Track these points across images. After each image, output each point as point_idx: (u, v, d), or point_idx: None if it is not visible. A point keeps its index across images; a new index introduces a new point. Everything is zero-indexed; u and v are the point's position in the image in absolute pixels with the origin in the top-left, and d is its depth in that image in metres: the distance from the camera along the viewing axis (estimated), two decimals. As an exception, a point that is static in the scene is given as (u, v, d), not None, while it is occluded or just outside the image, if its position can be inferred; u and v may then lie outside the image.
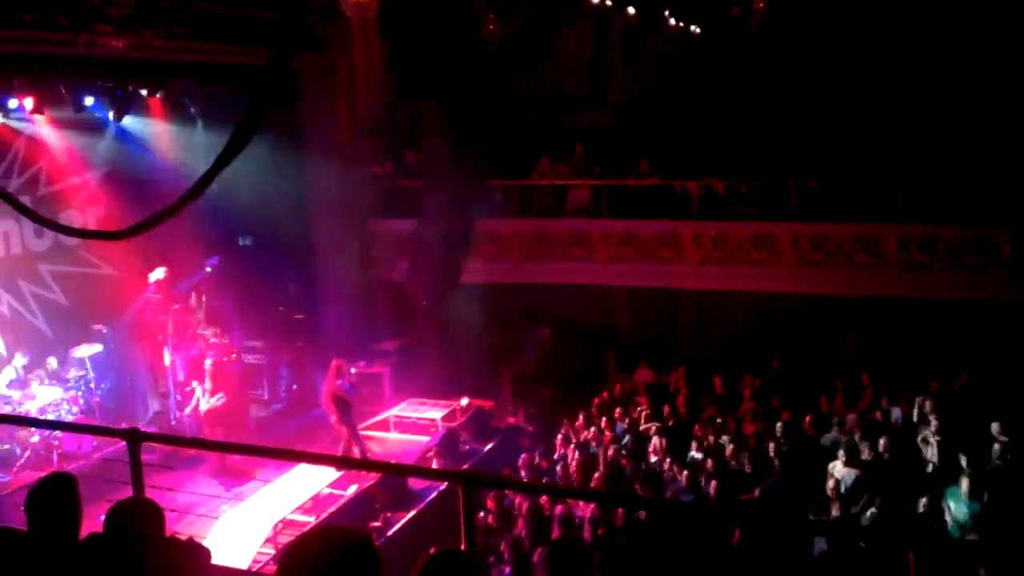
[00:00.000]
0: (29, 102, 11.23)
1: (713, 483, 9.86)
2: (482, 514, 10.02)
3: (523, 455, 11.82)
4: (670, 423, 12.64)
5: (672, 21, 13.51)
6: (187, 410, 12.83)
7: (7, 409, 10.87)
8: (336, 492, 10.90)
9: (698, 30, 14.00)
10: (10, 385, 11.24)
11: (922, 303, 14.00)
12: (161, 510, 3.37)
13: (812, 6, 15.03)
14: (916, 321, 14.65)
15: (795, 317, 15.10)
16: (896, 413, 12.53)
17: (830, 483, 9.68)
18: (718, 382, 13.85)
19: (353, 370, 11.59)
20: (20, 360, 11.45)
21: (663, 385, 14.57)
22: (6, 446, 10.92)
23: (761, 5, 13.42)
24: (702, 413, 13.01)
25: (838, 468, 10.03)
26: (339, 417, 11.14)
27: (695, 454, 11.29)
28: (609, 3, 13.09)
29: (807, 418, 12.13)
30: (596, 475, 10.43)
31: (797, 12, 14.71)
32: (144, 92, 12.43)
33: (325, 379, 11.45)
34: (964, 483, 8.74)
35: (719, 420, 12.51)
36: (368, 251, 15.06)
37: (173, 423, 12.64)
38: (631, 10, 12.49)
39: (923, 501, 8.96)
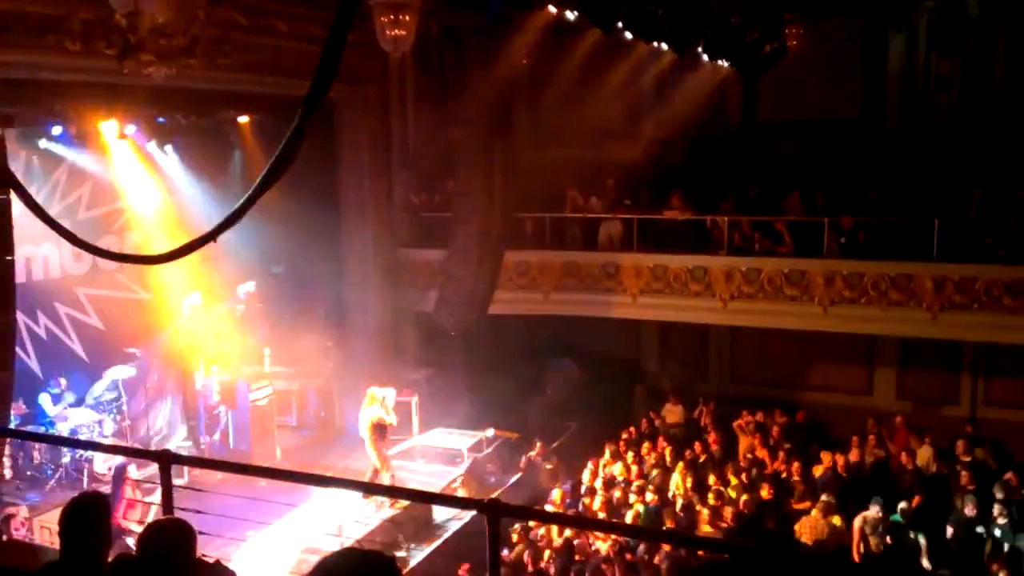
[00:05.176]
0: (72, 129, 11.49)
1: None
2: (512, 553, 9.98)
3: (553, 490, 11.76)
4: (701, 459, 12.54)
5: (705, 58, 13.52)
6: (215, 435, 12.95)
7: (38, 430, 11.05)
8: (361, 520, 10.89)
9: (727, 64, 14.02)
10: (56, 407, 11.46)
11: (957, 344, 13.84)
12: (193, 531, 3.38)
13: (848, 39, 15.04)
14: (950, 360, 14.47)
15: (827, 355, 14.97)
16: (924, 456, 12.36)
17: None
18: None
19: (390, 399, 11.60)
20: (55, 387, 11.65)
21: (692, 421, 14.47)
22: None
23: (793, 43, 13.42)
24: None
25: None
26: (375, 444, 11.16)
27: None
28: (643, 41, 13.16)
29: (840, 461, 11.99)
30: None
31: (829, 47, 14.71)
32: (185, 121, 12.67)
33: (362, 406, 11.48)
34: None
35: (749, 455, 12.40)
36: (398, 280, 15.15)
37: (203, 447, 12.75)
38: (665, 47, 12.53)
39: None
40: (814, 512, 10.43)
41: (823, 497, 10.72)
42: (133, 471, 8.80)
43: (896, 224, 12.94)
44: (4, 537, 8.70)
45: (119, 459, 11.52)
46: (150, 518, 8.29)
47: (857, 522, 10.05)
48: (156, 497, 8.45)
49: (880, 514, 10.04)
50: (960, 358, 14.49)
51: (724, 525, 10.28)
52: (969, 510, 10.27)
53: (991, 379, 14.32)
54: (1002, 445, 12.53)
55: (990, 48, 14.37)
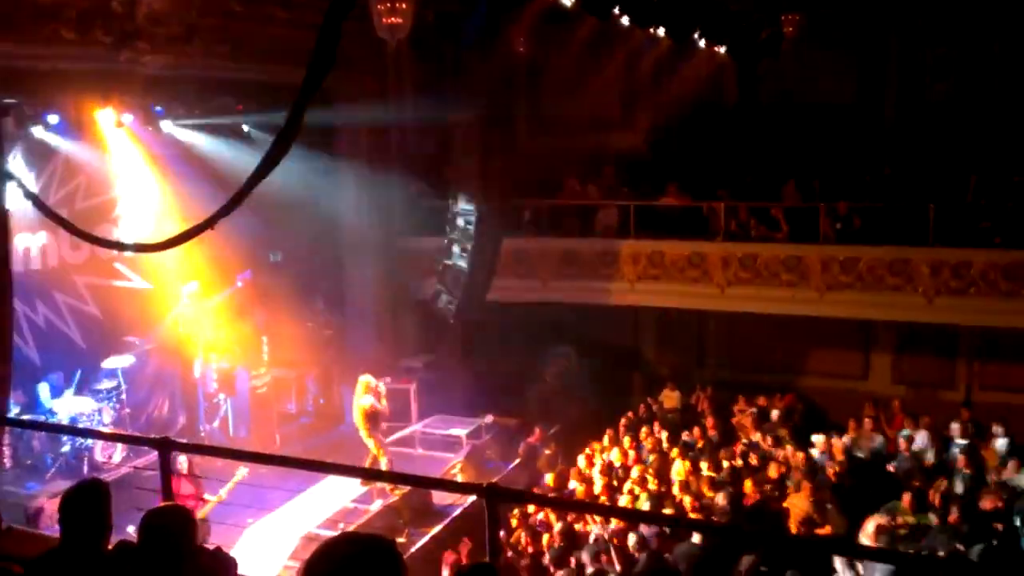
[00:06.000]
0: (70, 118, 11.46)
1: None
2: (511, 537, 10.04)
3: (546, 474, 11.84)
4: (699, 445, 12.60)
5: (702, 43, 13.50)
6: (215, 423, 13.00)
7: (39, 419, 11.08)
8: (361, 507, 10.96)
9: (723, 49, 14.01)
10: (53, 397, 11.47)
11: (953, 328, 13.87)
12: (194, 518, 3.44)
13: (841, 28, 15.01)
14: (947, 345, 14.51)
15: (824, 340, 15.01)
16: (921, 440, 12.42)
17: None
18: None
19: (383, 387, 11.63)
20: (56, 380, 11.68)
21: (689, 407, 14.54)
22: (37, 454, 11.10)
23: (790, 29, 13.40)
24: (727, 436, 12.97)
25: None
26: (369, 431, 11.23)
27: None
28: (640, 27, 13.14)
29: (836, 445, 12.04)
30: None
31: (827, 34, 14.68)
32: (182, 109, 12.65)
33: (355, 395, 11.54)
34: None
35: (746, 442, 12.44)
36: (397, 268, 15.16)
37: (202, 435, 12.79)
38: (661, 32, 12.51)
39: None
40: (801, 495, 10.48)
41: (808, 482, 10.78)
42: (183, 463, 8.58)
43: (892, 209, 12.97)
44: (4, 525, 8.75)
45: (119, 447, 11.68)
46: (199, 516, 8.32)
47: (870, 527, 9.96)
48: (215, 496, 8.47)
49: (892, 523, 9.95)
50: (956, 342, 14.55)
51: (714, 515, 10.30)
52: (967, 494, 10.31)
53: (987, 363, 14.39)
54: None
55: (987, 35, 14.37)
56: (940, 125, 14.32)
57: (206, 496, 8.69)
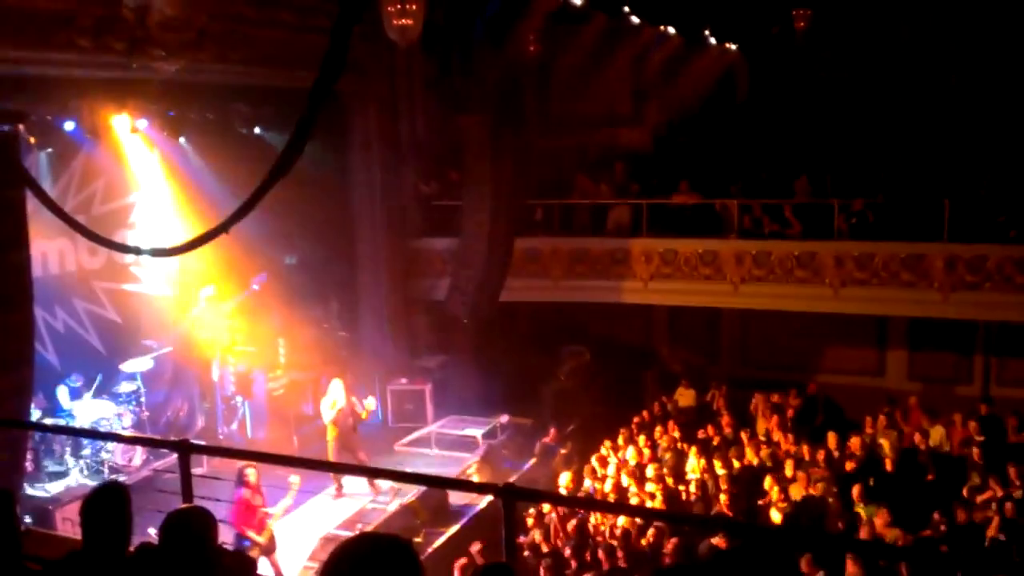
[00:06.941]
0: (85, 124, 11.56)
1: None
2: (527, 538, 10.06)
3: (562, 473, 11.84)
4: (714, 443, 12.57)
5: (713, 40, 13.49)
6: (233, 424, 13.08)
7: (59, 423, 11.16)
8: (378, 507, 11.00)
9: (734, 46, 13.96)
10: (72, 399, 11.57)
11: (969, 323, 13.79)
12: (214, 520, 3.44)
13: (857, 23, 14.93)
14: (963, 340, 14.43)
15: (839, 336, 14.96)
16: (937, 436, 12.36)
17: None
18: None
19: (340, 398, 11.48)
20: (75, 380, 11.77)
21: (704, 405, 14.52)
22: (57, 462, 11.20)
23: (802, 25, 13.36)
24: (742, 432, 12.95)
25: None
26: (329, 432, 11.28)
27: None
28: (650, 24, 13.14)
29: (854, 443, 11.99)
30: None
31: (841, 28, 14.62)
32: (196, 114, 12.73)
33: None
34: None
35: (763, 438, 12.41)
36: (410, 269, 15.21)
37: (220, 437, 12.88)
38: (671, 30, 12.51)
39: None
40: (797, 486, 10.47)
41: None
42: (252, 475, 8.49)
43: (907, 204, 12.90)
44: (22, 527, 8.85)
45: (139, 450, 11.78)
46: (267, 529, 8.44)
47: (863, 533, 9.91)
48: (278, 508, 8.52)
49: (888, 519, 9.88)
50: (973, 338, 14.47)
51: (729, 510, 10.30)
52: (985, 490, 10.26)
53: (1004, 358, 14.31)
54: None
55: (999, 23, 14.26)
56: (954, 117, 14.23)
57: (268, 509, 8.66)
